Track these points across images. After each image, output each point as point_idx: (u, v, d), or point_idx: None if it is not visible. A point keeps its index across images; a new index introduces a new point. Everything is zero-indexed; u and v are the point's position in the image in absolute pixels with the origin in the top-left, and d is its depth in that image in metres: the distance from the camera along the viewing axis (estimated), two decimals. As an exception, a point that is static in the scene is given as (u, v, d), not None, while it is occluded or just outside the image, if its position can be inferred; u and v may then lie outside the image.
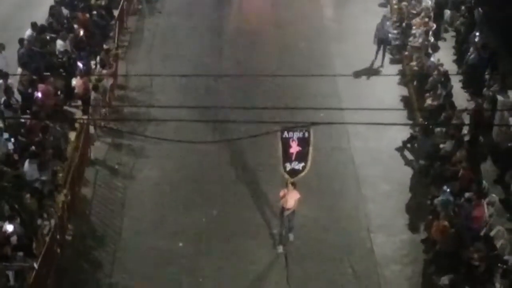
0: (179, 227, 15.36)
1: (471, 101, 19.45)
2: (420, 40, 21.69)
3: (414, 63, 21.22)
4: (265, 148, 15.96)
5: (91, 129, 17.74)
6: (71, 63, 18.84)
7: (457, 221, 14.36)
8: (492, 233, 14.35)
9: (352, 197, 16.57)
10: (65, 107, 17.95)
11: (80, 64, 18.84)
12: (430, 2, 23.91)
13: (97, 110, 18.13)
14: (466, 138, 17.20)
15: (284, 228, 14.70)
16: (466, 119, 18.31)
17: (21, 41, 18.46)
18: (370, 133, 18.13)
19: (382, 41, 21.83)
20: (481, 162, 16.94)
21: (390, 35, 22.26)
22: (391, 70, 21.79)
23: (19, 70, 17.97)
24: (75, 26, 20.51)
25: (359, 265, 14.56)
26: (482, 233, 14.41)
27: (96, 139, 18.00)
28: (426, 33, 21.92)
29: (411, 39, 22.16)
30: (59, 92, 17.75)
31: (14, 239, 13.06)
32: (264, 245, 14.99)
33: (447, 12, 24.08)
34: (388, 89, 20.59)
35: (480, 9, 22.64)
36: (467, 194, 14.79)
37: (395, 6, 24.90)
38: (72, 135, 16.90)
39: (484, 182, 15.45)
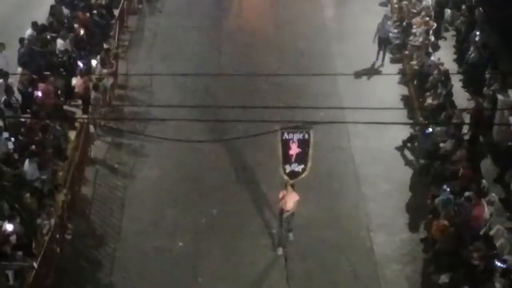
0: (178, 227, 15.36)
1: (471, 100, 19.44)
2: (421, 39, 21.69)
3: (414, 62, 21.22)
4: (265, 148, 15.95)
5: (91, 128, 17.75)
6: (71, 62, 18.85)
7: (457, 220, 14.35)
8: (491, 232, 14.35)
9: (352, 196, 16.57)
10: (65, 107, 17.96)
11: (80, 64, 18.84)
12: (430, 1, 23.95)
13: (97, 110, 18.13)
14: (466, 137, 17.20)
15: (283, 229, 14.67)
16: (466, 118, 18.31)
17: (21, 40, 18.47)
18: (371, 132, 18.11)
19: (382, 41, 21.82)
20: (481, 161, 16.92)
21: (391, 34, 22.24)
22: (391, 69, 21.80)
23: (19, 69, 17.98)
24: (76, 25, 20.51)
25: (359, 264, 14.55)
26: (481, 232, 14.39)
27: (96, 138, 18.01)
28: (427, 32, 21.92)
29: (411, 38, 22.17)
30: (59, 92, 17.76)
31: (13, 238, 13.06)
32: (264, 244, 14.98)
33: (448, 11, 24.09)
34: (388, 88, 20.60)
35: (480, 8, 22.64)
36: (467, 193, 14.78)
37: (396, 5, 24.92)
38: (72, 134, 16.90)
39: (484, 181, 15.42)
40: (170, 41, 23.39)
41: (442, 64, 19.81)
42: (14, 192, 14.11)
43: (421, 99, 19.35)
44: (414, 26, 22.50)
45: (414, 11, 23.64)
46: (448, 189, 15.01)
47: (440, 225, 14.24)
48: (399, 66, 22.28)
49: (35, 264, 12.76)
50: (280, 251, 14.70)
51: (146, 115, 19.04)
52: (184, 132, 16.65)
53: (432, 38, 21.83)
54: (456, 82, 19.79)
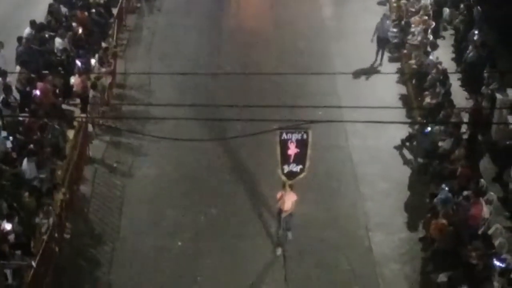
0: (177, 226, 15.37)
1: (470, 99, 19.49)
2: (419, 38, 21.68)
3: (413, 61, 21.20)
4: (265, 147, 15.94)
5: (90, 127, 17.74)
6: (69, 61, 18.83)
7: (455, 219, 14.36)
8: (490, 231, 14.37)
9: (351, 195, 16.57)
10: (64, 105, 17.95)
11: (78, 62, 18.82)
12: (429, 0, 23.91)
13: (95, 108, 18.12)
14: (465, 136, 17.20)
15: (282, 230, 14.66)
16: (465, 117, 18.33)
17: (19, 39, 18.45)
18: (369, 131, 18.12)
19: (381, 40, 21.81)
20: (479, 160, 16.92)
21: (389, 33, 22.23)
22: (390, 68, 21.80)
23: (18, 68, 17.95)
24: (74, 24, 20.50)
25: (358, 263, 14.57)
26: (480, 231, 14.40)
27: (95, 137, 18.00)
28: (425, 31, 21.90)
29: (410, 37, 22.16)
30: (57, 91, 17.74)
31: (12, 237, 13.07)
32: (263, 244, 14.99)
33: (446, 10, 24.08)
34: (387, 87, 20.59)
35: (479, 7, 22.63)
36: (465, 192, 14.79)
37: (394, 4, 24.90)
38: (71, 133, 16.87)
39: (482, 180, 15.43)
40: (169, 40, 23.37)
41: (440, 63, 19.81)
42: (13, 191, 14.13)
43: (419, 98, 19.34)
44: (413, 25, 22.49)
45: (413, 10, 23.63)
46: (446, 188, 15.02)
47: (438, 224, 14.25)
48: (398, 65, 22.27)
49: (33, 263, 12.76)
50: (279, 251, 14.70)
51: (145, 114, 19.01)
52: (183, 131, 16.65)
53: (431, 37, 21.81)
54: (455, 81, 19.78)
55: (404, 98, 20.33)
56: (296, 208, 14.52)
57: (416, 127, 18.00)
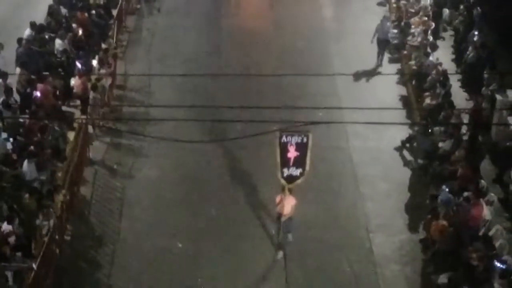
0: (178, 227, 15.36)
1: (470, 100, 19.49)
2: (419, 39, 21.69)
3: (413, 62, 21.21)
4: (264, 148, 15.92)
5: (90, 129, 17.74)
6: (70, 62, 18.82)
7: (456, 221, 14.36)
8: (491, 233, 14.36)
9: (351, 196, 16.57)
10: (64, 107, 17.94)
11: (78, 64, 18.81)
12: (428, 1, 23.95)
13: (96, 110, 18.12)
14: (465, 137, 17.19)
15: (282, 233, 14.62)
16: (465, 118, 18.33)
17: (19, 40, 18.44)
18: (369, 132, 18.13)
19: (381, 42, 21.81)
20: (480, 161, 16.92)
21: (389, 35, 22.22)
22: (390, 69, 21.80)
23: (18, 69, 17.94)
24: (74, 25, 20.49)
25: (358, 264, 14.57)
26: (481, 233, 14.40)
27: (95, 139, 17.99)
28: (425, 32, 21.92)
29: (409, 38, 22.17)
30: (57, 92, 17.73)
31: (12, 239, 13.05)
32: (263, 245, 14.98)
33: (446, 11, 24.08)
34: (387, 88, 20.59)
35: (478, 8, 22.63)
36: (465, 194, 14.79)
37: (394, 5, 24.92)
38: (71, 135, 16.86)
39: (482, 181, 15.43)
40: (169, 41, 23.37)
41: (440, 64, 19.82)
42: (13, 193, 14.11)
43: (419, 99, 19.35)
44: (413, 26, 22.51)
45: (412, 10, 23.65)
46: (447, 189, 15.02)
47: (439, 225, 14.25)
48: (398, 66, 22.28)
49: (34, 265, 12.75)
50: (279, 255, 14.66)
51: (145, 116, 19.04)
52: (183, 133, 16.62)
53: (431, 38, 21.82)
54: (455, 82, 19.79)
55: (404, 99, 20.34)
56: (297, 209, 14.49)
57: (416, 128, 18.00)
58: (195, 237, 15.13)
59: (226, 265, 14.43)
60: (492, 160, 17.43)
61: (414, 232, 15.47)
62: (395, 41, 22.67)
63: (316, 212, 15.80)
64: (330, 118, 16.17)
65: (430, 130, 17.25)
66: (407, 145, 18.03)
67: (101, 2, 22.98)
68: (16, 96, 17.24)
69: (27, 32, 19.18)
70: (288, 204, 14.13)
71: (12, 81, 17.32)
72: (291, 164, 13.54)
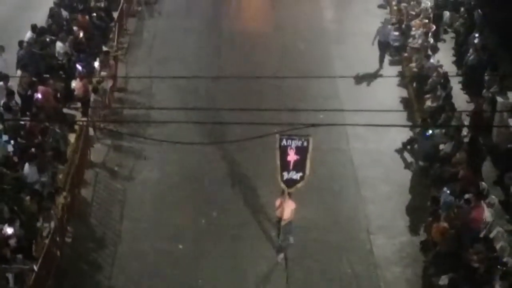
0: (178, 229, 15.36)
1: (471, 102, 19.49)
2: (420, 41, 21.70)
3: (413, 64, 21.22)
4: (265, 150, 15.90)
5: (91, 131, 17.76)
6: (70, 65, 18.85)
7: (457, 223, 14.36)
8: (491, 235, 14.35)
9: (352, 198, 16.58)
10: (65, 109, 17.95)
11: (79, 66, 18.84)
12: (429, 3, 23.94)
13: (96, 112, 18.14)
14: (466, 140, 17.19)
15: (282, 236, 14.57)
16: (466, 120, 18.33)
17: (20, 43, 18.47)
18: (370, 135, 18.15)
19: (382, 44, 21.81)
20: (480, 163, 16.91)
21: (390, 38, 22.23)
22: (390, 72, 21.77)
23: (19, 72, 17.97)
24: (75, 28, 20.52)
25: (359, 266, 14.55)
26: (481, 235, 14.39)
27: (96, 141, 18.00)
28: (426, 34, 21.93)
29: (410, 40, 22.18)
30: (58, 94, 17.75)
31: (13, 241, 13.05)
32: (264, 246, 14.97)
33: (447, 13, 24.10)
34: (387, 90, 20.61)
35: (479, 10, 22.67)
36: (466, 196, 14.78)
37: (395, 7, 24.92)
38: (72, 137, 16.91)
39: (483, 183, 15.43)
40: (170, 44, 23.40)
41: (441, 66, 19.85)
42: (14, 195, 14.11)
43: (420, 102, 19.36)
44: (413, 28, 22.52)
45: (413, 13, 23.66)
46: (448, 191, 15.02)
47: (440, 227, 14.24)
48: (399, 68, 22.29)
49: (35, 267, 12.74)
50: (280, 258, 14.62)
51: (146, 118, 19.03)
52: (183, 135, 16.64)
53: (431, 40, 21.85)
54: (456, 84, 19.79)
55: (405, 101, 20.35)
56: (298, 211, 14.46)
57: (417, 130, 18.00)
58: (195, 238, 15.13)
59: (227, 266, 14.42)
60: (493, 162, 17.42)
61: (415, 234, 15.46)
62: (396, 44, 22.68)
63: (317, 213, 15.80)
64: (331, 120, 16.04)
65: (428, 134, 17.16)
66: (408, 147, 18.03)
67: (102, 5, 23.02)
68: (17, 99, 17.27)
69: (28, 34, 19.23)
70: (288, 208, 14.06)
71: (13, 83, 17.35)
72: (291, 167, 13.48)
